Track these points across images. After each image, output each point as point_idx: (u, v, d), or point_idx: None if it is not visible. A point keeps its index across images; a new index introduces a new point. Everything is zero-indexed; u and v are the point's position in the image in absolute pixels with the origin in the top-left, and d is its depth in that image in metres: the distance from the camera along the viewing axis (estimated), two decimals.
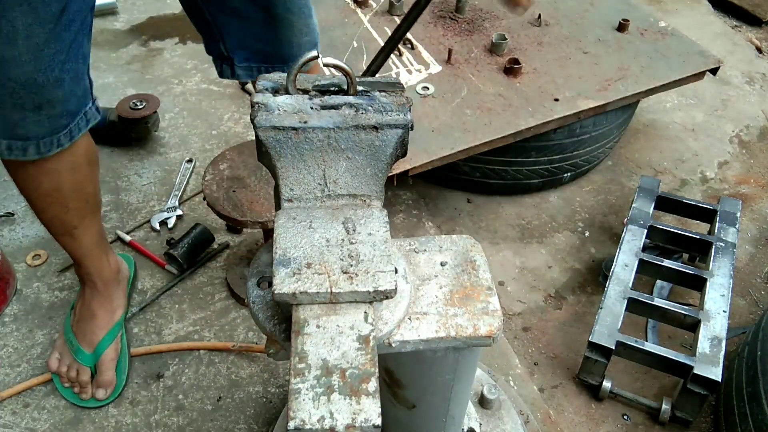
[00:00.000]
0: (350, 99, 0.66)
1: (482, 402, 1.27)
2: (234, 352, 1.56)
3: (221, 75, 1.43)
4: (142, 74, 2.42)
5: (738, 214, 1.78)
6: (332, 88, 0.67)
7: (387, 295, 0.61)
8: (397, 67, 1.93)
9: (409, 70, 1.92)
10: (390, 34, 2.05)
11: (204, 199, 1.46)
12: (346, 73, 0.66)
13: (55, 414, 1.44)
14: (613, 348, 1.47)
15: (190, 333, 1.60)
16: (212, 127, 2.20)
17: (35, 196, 1.26)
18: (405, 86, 1.84)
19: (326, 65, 0.65)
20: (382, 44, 1.99)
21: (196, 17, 1.35)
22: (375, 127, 0.64)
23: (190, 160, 2.04)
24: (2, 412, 1.44)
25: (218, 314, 1.64)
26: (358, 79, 0.67)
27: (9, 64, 0.98)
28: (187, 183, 1.98)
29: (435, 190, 2.09)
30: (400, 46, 2.00)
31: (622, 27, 2.10)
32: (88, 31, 1.10)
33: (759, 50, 2.83)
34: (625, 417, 1.54)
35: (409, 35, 2.05)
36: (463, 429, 1.19)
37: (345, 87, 0.67)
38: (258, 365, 1.54)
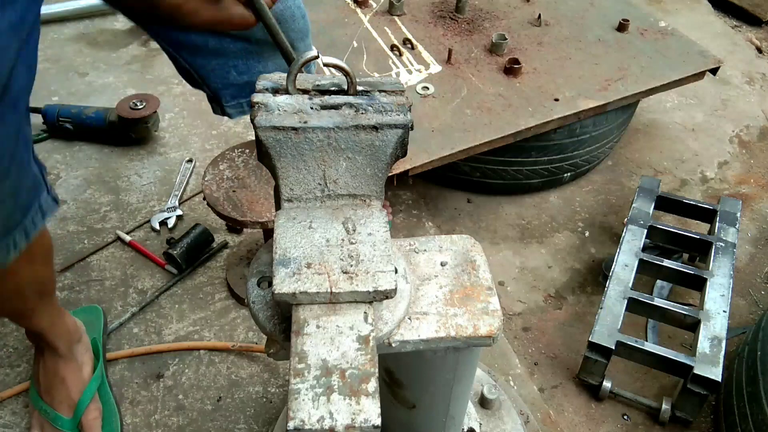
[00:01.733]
0: (350, 99, 0.66)
1: (482, 402, 1.27)
2: (234, 352, 1.56)
3: (214, 112, 1.33)
4: (142, 74, 2.42)
5: (738, 214, 1.78)
6: (332, 88, 0.67)
7: (387, 295, 0.61)
8: (397, 67, 1.93)
9: (409, 70, 1.92)
10: (390, 34, 2.05)
11: (204, 199, 1.46)
12: (346, 73, 0.66)
13: None
14: (613, 348, 1.47)
15: (190, 333, 1.60)
16: (212, 127, 2.20)
17: (3, 309, 1.19)
18: (405, 86, 1.85)
19: (326, 65, 0.65)
20: (383, 44, 2.00)
21: (175, 65, 1.26)
22: (375, 127, 0.64)
23: (190, 160, 2.04)
24: (2, 412, 1.44)
25: (218, 314, 1.64)
26: (358, 80, 0.67)
27: None
28: (187, 183, 1.98)
29: (435, 190, 2.09)
30: (400, 46, 2.00)
31: (622, 27, 2.10)
32: (27, 113, 0.92)
33: (759, 50, 2.83)
34: (625, 417, 1.54)
35: (409, 35, 2.05)
36: (463, 429, 1.19)
37: (345, 87, 0.67)
38: (258, 365, 1.54)
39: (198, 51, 1.21)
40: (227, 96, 1.28)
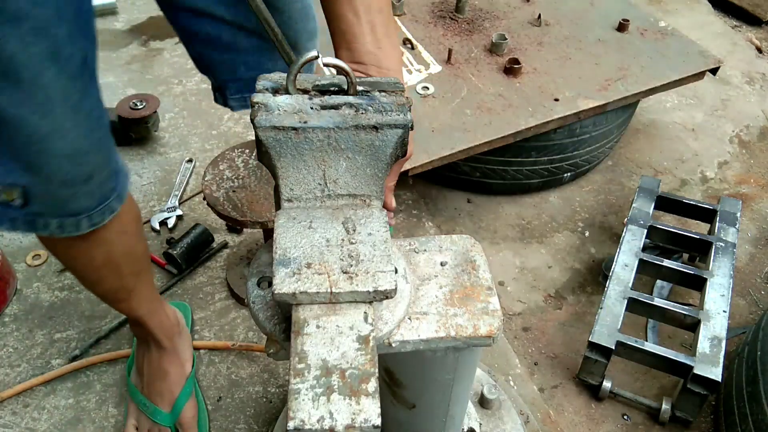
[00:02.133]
0: (350, 99, 0.66)
1: (482, 402, 1.27)
2: (234, 352, 1.56)
3: (215, 101, 1.35)
4: (142, 74, 2.42)
5: (738, 214, 1.78)
6: (332, 88, 0.67)
7: (387, 295, 0.61)
8: None
9: (409, 70, 1.92)
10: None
11: (204, 199, 1.46)
12: (346, 73, 0.66)
13: (55, 414, 1.44)
14: (613, 348, 1.47)
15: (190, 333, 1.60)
16: (212, 127, 2.20)
17: (89, 270, 1.17)
18: (405, 86, 1.85)
19: (326, 65, 0.65)
20: None
21: (187, 50, 1.26)
22: (375, 127, 0.64)
23: (190, 160, 2.04)
24: (2, 412, 1.44)
25: (218, 314, 1.64)
26: (358, 80, 0.67)
27: (51, 138, 0.86)
28: (187, 183, 1.98)
29: (435, 190, 2.09)
30: (400, 46, 2.00)
31: (622, 27, 2.10)
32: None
33: (759, 50, 2.83)
34: (625, 417, 1.54)
35: (409, 35, 2.05)
36: (463, 429, 1.19)
37: (345, 87, 0.67)
38: (258, 365, 1.54)
39: (210, 43, 1.20)
40: (232, 89, 1.29)
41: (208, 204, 1.44)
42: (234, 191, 1.46)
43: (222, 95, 1.31)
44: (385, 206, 0.84)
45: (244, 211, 1.41)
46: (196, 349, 1.56)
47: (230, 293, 1.68)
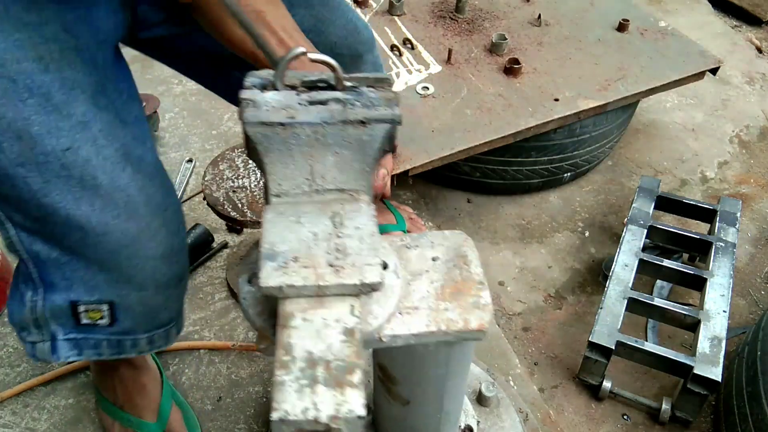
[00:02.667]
0: (338, 94, 0.66)
1: (480, 400, 1.27)
2: (234, 352, 1.56)
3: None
4: (142, 74, 2.43)
5: (738, 214, 1.78)
6: (320, 84, 0.68)
7: (373, 287, 0.61)
8: (397, 67, 1.93)
9: (409, 70, 1.93)
10: (390, 34, 2.06)
11: (204, 199, 1.47)
12: (333, 69, 0.66)
13: (55, 414, 1.45)
14: (613, 348, 1.47)
15: (190, 333, 1.60)
16: (212, 127, 2.20)
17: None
18: (405, 86, 1.85)
19: (313, 61, 0.65)
20: (383, 44, 2.00)
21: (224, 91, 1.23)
22: (362, 122, 0.65)
23: (190, 160, 2.05)
24: (2, 412, 1.44)
25: (218, 314, 1.64)
26: (345, 75, 0.67)
27: (140, 239, 0.83)
28: (187, 183, 1.98)
29: (435, 190, 2.09)
30: (400, 46, 2.00)
31: (622, 27, 2.10)
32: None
33: (759, 50, 2.82)
34: (625, 417, 1.54)
35: (409, 35, 2.05)
36: (460, 426, 1.19)
37: (333, 82, 0.68)
38: (258, 365, 1.54)
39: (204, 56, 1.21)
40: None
41: (208, 204, 1.45)
42: (234, 191, 1.46)
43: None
44: (384, 195, 0.84)
45: (244, 211, 1.41)
46: (196, 349, 1.57)
47: (230, 293, 1.69)
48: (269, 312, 0.67)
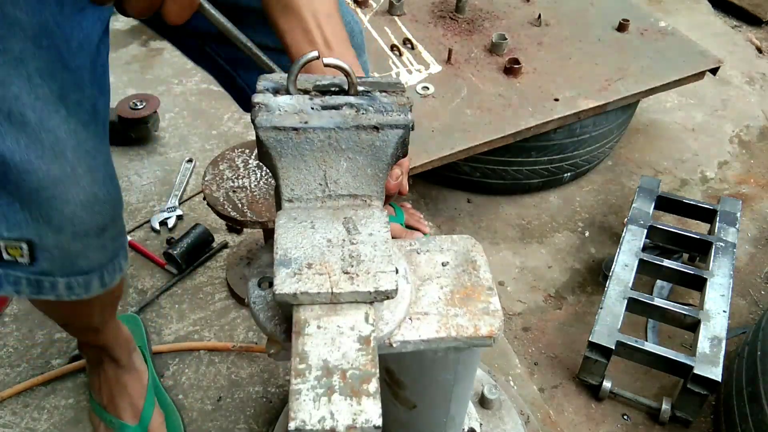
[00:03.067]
0: (351, 99, 0.66)
1: (483, 402, 1.27)
2: (234, 352, 1.56)
3: (245, 110, 1.29)
4: (142, 74, 2.42)
5: (738, 214, 1.78)
6: (333, 89, 0.67)
7: (388, 295, 0.61)
8: (397, 67, 1.93)
9: (409, 70, 1.92)
10: (390, 34, 2.05)
11: (204, 199, 1.46)
12: (346, 73, 0.66)
13: (55, 414, 1.44)
14: (613, 348, 1.47)
15: (190, 333, 1.60)
16: (212, 127, 2.20)
17: (70, 324, 1.15)
18: (406, 86, 1.85)
19: (327, 65, 0.65)
20: (383, 44, 2.00)
21: (228, 85, 1.20)
22: (376, 128, 0.64)
23: (190, 160, 2.04)
24: (2, 412, 1.44)
25: (218, 314, 1.64)
26: (358, 80, 0.67)
27: (64, 183, 0.81)
28: (187, 183, 1.98)
29: (435, 190, 2.09)
30: (400, 46, 2.00)
31: (622, 27, 2.10)
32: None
33: (759, 50, 2.83)
34: (625, 417, 1.54)
35: (409, 35, 2.05)
36: (463, 429, 1.19)
37: (346, 87, 0.67)
38: (258, 365, 1.54)
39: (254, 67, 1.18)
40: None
41: (208, 204, 1.44)
42: (234, 191, 1.46)
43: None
44: (401, 192, 0.84)
45: (244, 211, 1.41)
46: (196, 350, 1.56)
47: (230, 293, 1.68)
48: (281, 317, 0.67)
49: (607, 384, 1.54)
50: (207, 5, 0.67)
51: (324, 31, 0.80)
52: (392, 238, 0.67)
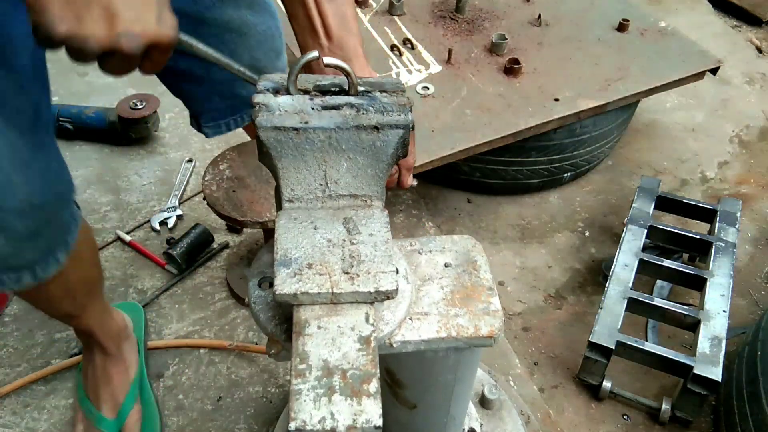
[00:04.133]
0: (351, 99, 0.66)
1: (483, 402, 1.27)
2: (234, 352, 1.56)
3: (191, 125, 1.40)
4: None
5: (738, 214, 1.78)
6: (333, 89, 0.67)
7: (388, 295, 0.61)
8: (397, 67, 1.93)
9: (409, 70, 1.92)
10: (390, 34, 2.05)
11: (204, 199, 1.46)
12: (346, 74, 0.66)
13: (55, 414, 1.44)
14: (613, 348, 1.47)
15: (190, 333, 1.60)
16: None
17: (43, 300, 1.15)
18: (406, 86, 1.85)
19: (327, 65, 0.65)
20: (383, 44, 2.00)
21: (161, 80, 1.29)
22: (376, 128, 0.64)
23: (190, 160, 2.04)
24: (2, 412, 1.44)
25: (218, 314, 1.64)
26: (359, 80, 0.67)
27: None
28: (187, 183, 1.98)
29: (435, 190, 2.09)
30: (400, 46, 2.00)
31: (622, 27, 2.10)
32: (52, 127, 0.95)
33: (759, 50, 2.83)
34: (625, 417, 1.54)
35: (409, 35, 2.05)
36: (463, 429, 1.19)
37: (346, 87, 0.67)
38: (258, 365, 1.54)
39: (183, 76, 1.23)
40: (207, 117, 1.33)
41: (208, 204, 1.44)
42: (234, 191, 1.46)
43: (197, 122, 1.35)
44: (401, 185, 0.84)
45: (244, 211, 1.41)
46: (195, 347, 1.56)
47: (230, 293, 1.68)
48: (281, 317, 0.67)
49: (607, 384, 1.54)
50: (186, 38, 0.66)
51: (325, 18, 0.81)
52: None
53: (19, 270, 0.93)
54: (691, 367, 1.41)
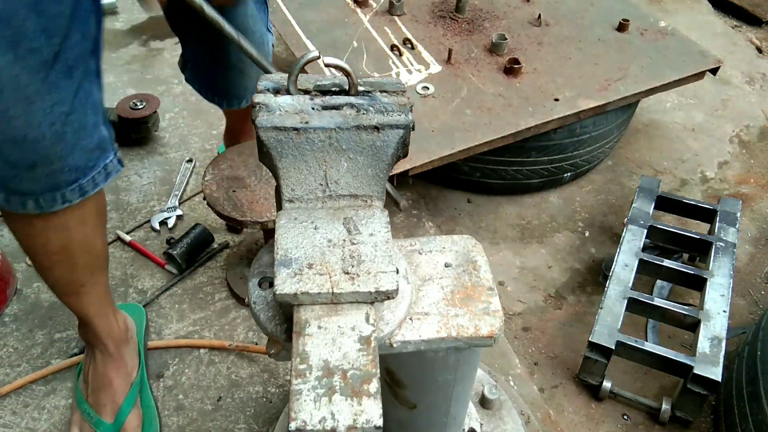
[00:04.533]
0: (351, 99, 0.66)
1: (483, 402, 1.27)
2: (234, 352, 1.56)
3: (178, 63, 1.53)
4: (142, 74, 2.42)
5: (738, 214, 1.78)
6: (333, 89, 0.67)
7: (388, 295, 0.61)
8: (397, 67, 1.93)
9: (409, 70, 1.92)
10: (390, 34, 2.05)
11: (204, 199, 1.46)
12: (347, 74, 0.66)
13: (55, 414, 1.44)
14: (613, 348, 1.47)
15: (190, 333, 1.60)
16: (212, 127, 2.20)
17: (42, 253, 1.16)
18: (406, 86, 1.85)
19: (327, 65, 0.65)
20: (383, 44, 2.00)
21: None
22: (376, 128, 0.64)
23: (190, 160, 2.04)
24: (2, 412, 1.44)
25: (218, 314, 1.64)
26: (359, 80, 0.67)
27: None
28: (187, 183, 1.98)
29: (435, 190, 2.09)
30: (400, 46, 2.00)
31: (622, 27, 2.10)
32: (95, 77, 1.00)
33: (759, 50, 2.83)
34: (625, 417, 1.54)
35: (409, 35, 2.05)
36: (463, 429, 1.19)
37: (346, 87, 0.67)
38: (258, 365, 1.54)
39: (184, 28, 1.38)
40: (189, 73, 1.53)
41: (208, 204, 1.44)
42: (234, 191, 1.45)
43: (183, 63, 1.51)
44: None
45: (244, 211, 1.41)
46: (195, 347, 1.56)
47: (230, 293, 1.68)
48: (281, 317, 0.67)
49: (607, 384, 1.54)
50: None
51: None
52: None
53: (23, 195, 0.99)
54: (691, 367, 1.41)
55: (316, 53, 0.64)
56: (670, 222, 1.95)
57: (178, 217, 1.86)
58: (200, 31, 1.33)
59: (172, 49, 2.52)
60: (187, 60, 1.52)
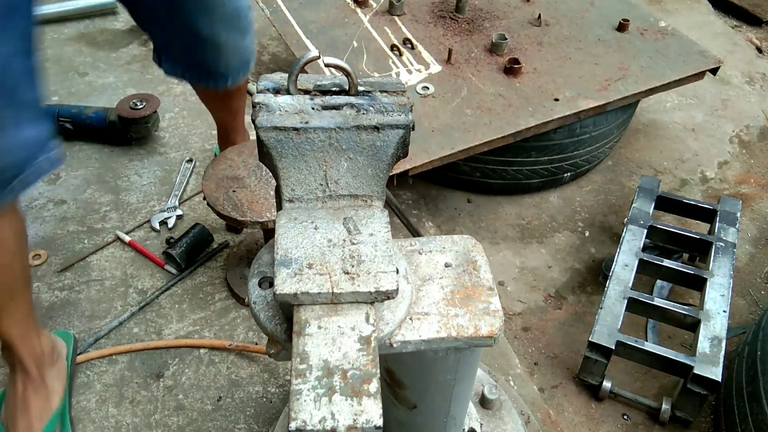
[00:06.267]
0: (351, 99, 0.66)
1: (483, 402, 1.27)
2: (234, 352, 1.56)
3: (153, 59, 1.49)
4: (142, 74, 2.42)
5: (738, 214, 1.78)
6: (333, 89, 0.67)
7: (388, 295, 0.61)
8: (397, 67, 1.93)
9: (409, 70, 1.92)
10: (390, 34, 2.05)
11: (204, 199, 1.46)
12: (347, 73, 0.66)
13: None
14: (613, 348, 1.47)
15: (190, 333, 1.60)
16: (212, 127, 2.19)
17: None
18: (406, 86, 1.85)
19: (327, 65, 0.65)
20: (383, 44, 2.00)
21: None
22: (376, 128, 0.64)
23: (190, 160, 2.04)
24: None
25: (218, 314, 1.64)
26: (359, 80, 0.67)
27: None
28: (187, 183, 1.97)
29: (435, 190, 2.09)
30: (400, 46, 2.00)
31: (622, 27, 2.10)
32: (31, 76, 0.97)
33: (759, 50, 2.83)
34: (625, 417, 1.54)
35: (409, 35, 2.05)
36: (464, 429, 1.19)
37: (346, 87, 0.67)
38: (258, 365, 1.54)
39: (147, 16, 1.37)
40: (166, 57, 1.47)
41: (208, 204, 1.44)
42: (234, 191, 1.45)
43: (158, 57, 1.47)
44: None
45: (244, 211, 1.41)
46: (195, 347, 1.56)
47: (230, 293, 1.68)
48: (281, 317, 0.67)
49: (607, 384, 1.54)
50: None
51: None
52: None
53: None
54: (691, 367, 1.41)
55: (316, 53, 0.64)
56: (670, 222, 1.95)
57: (178, 217, 1.86)
58: (164, 14, 1.30)
59: None
60: (160, 50, 1.46)
